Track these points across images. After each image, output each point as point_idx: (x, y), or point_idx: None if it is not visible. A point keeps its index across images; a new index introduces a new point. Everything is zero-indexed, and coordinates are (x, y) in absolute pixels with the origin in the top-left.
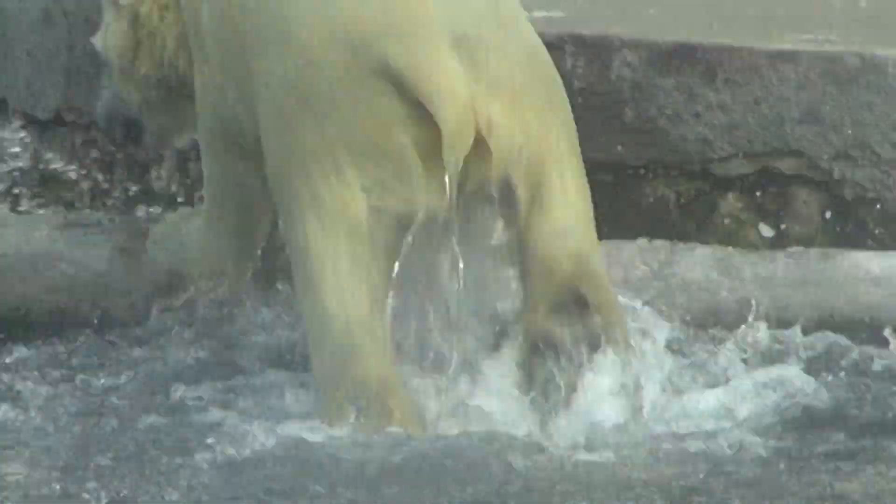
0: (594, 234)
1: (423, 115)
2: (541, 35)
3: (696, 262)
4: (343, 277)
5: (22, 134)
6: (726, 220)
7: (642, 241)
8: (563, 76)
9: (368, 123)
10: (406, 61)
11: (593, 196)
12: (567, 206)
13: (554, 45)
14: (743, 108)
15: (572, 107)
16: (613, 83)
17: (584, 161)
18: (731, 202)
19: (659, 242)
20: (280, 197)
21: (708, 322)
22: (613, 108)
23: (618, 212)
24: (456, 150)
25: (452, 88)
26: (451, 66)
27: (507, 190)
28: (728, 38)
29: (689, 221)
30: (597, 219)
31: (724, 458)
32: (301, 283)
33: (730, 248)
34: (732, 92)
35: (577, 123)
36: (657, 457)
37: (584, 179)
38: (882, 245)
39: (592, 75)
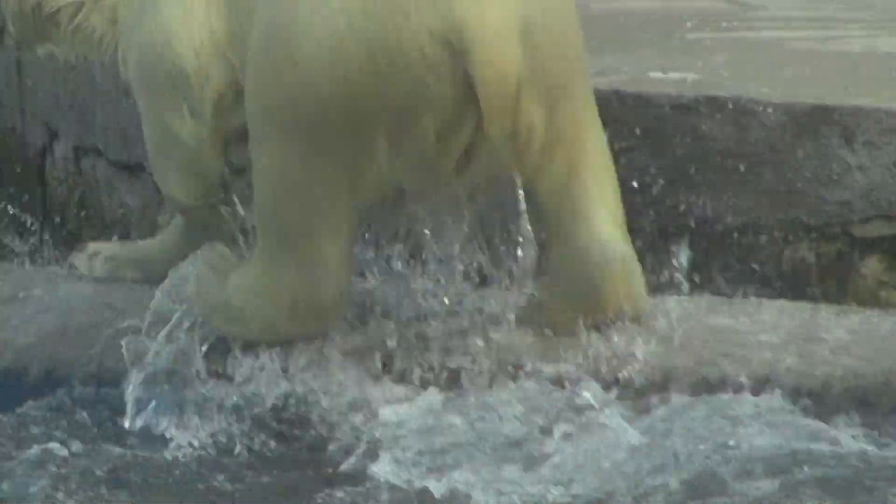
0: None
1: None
2: (677, 97)
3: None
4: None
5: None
6: (867, 282)
7: (783, 302)
8: (700, 138)
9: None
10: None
11: (734, 257)
12: (606, 212)
13: (690, 108)
14: (882, 170)
15: (710, 168)
16: (751, 145)
17: (723, 222)
18: (872, 264)
19: (801, 304)
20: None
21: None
22: (752, 170)
23: (757, 273)
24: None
25: (510, 82)
26: (513, 57)
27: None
28: (865, 99)
29: (829, 283)
30: (736, 280)
31: None
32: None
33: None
34: (871, 153)
35: (715, 185)
36: None
37: (616, 182)
38: None
39: (730, 137)
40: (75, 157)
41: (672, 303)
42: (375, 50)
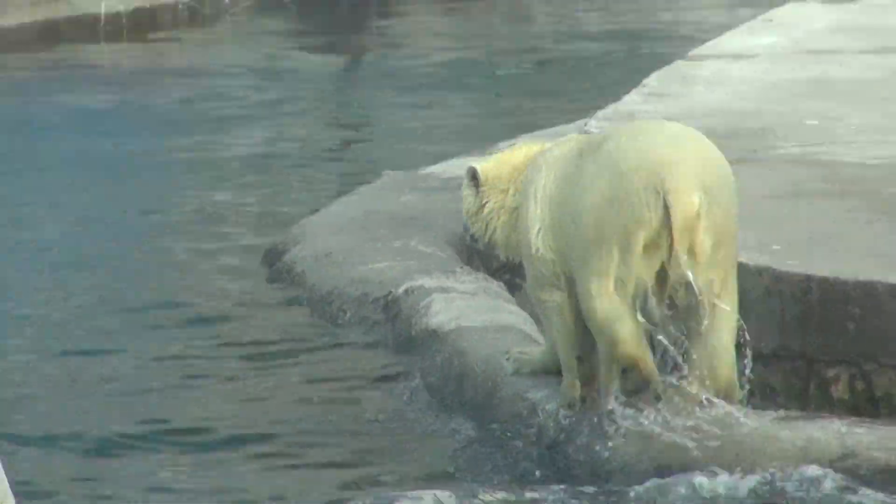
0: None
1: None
2: None
3: None
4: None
5: None
6: None
7: None
8: None
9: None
10: (674, 189)
11: None
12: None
13: None
14: None
15: None
16: None
17: None
18: None
19: None
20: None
21: None
22: None
23: None
24: (679, 247)
25: (691, 213)
26: (694, 200)
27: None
28: None
29: None
30: None
31: None
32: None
33: None
34: None
35: None
36: None
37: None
38: None
39: None
40: None
41: None
42: (615, 199)
